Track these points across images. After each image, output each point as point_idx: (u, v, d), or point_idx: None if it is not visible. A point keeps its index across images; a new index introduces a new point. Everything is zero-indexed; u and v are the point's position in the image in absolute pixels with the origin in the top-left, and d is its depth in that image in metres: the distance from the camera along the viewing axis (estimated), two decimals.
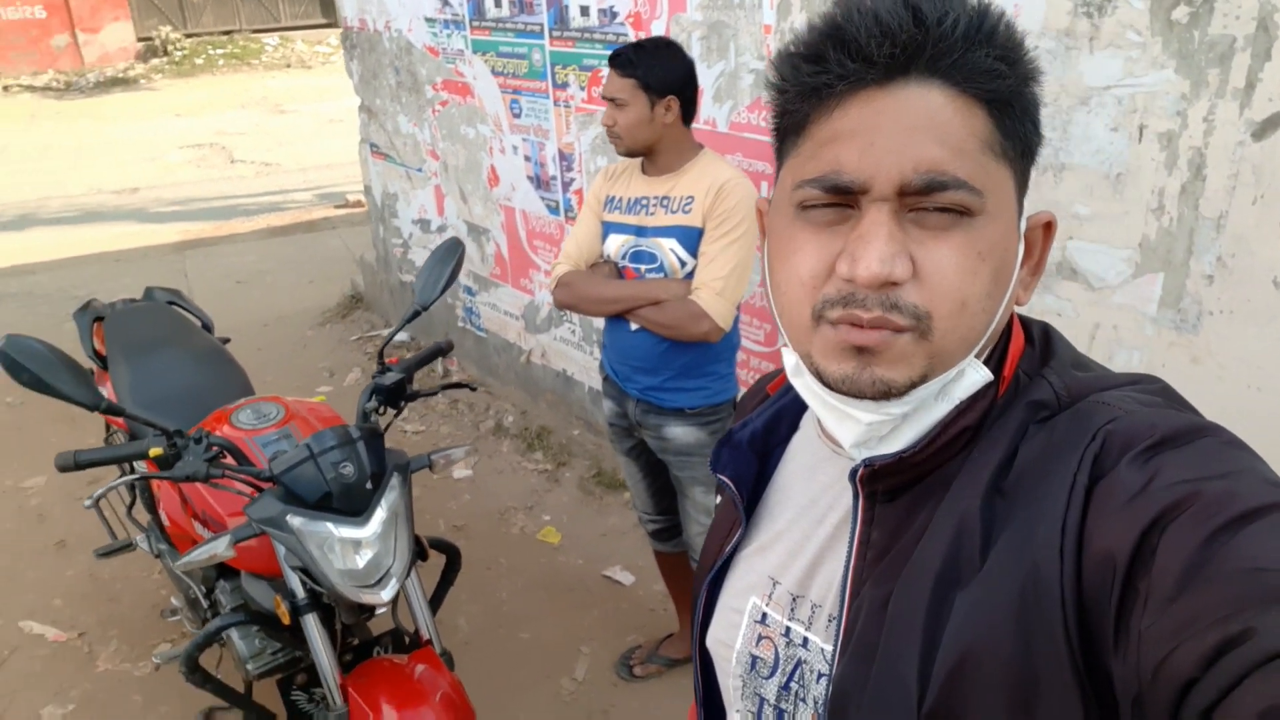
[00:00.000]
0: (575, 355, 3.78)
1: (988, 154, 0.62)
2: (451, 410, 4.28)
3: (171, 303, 2.95)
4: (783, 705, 0.75)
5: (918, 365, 0.63)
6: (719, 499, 0.90)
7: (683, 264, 2.13)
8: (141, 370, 2.49)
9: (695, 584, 0.88)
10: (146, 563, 3.18)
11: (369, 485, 1.78)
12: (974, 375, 0.66)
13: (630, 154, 2.19)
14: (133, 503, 2.79)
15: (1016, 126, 0.64)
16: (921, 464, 0.67)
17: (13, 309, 5.59)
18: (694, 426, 2.26)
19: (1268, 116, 1.79)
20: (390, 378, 2.00)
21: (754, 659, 0.77)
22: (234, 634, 2.13)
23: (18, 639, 2.94)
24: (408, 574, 1.87)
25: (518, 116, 3.63)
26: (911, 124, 0.60)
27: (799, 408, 0.84)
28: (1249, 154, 1.83)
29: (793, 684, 0.74)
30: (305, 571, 1.81)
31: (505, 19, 3.50)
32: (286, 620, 1.85)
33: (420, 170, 4.37)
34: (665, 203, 2.16)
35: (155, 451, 1.75)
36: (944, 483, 0.66)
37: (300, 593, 1.83)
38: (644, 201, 2.20)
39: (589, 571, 3.18)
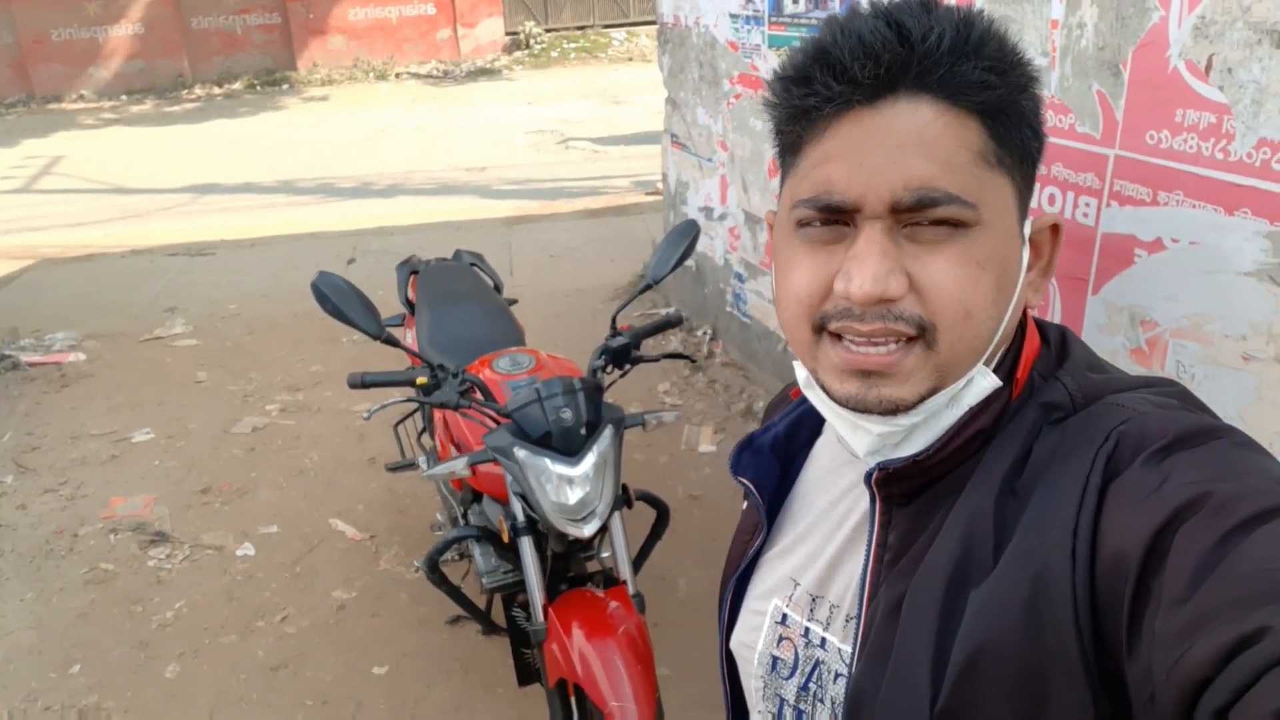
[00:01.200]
0: None
1: (981, 165, 0.62)
2: (709, 389, 4.48)
3: (473, 264, 3.39)
4: (801, 705, 0.76)
5: (926, 381, 0.64)
6: (744, 504, 0.91)
7: None
8: (438, 317, 2.91)
9: (721, 586, 0.90)
10: (431, 486, 3.70)
11: (584, 431, 2.00)
12: (983, 382, 0.67)
13: None
14: (424, 430, 3.27)
15: (1012, 134, 0.64)
16: (936, 466, 0.67)
17: (371, 263, 6.59)
18: None
19: None
20: (618, 341, 2.21)
21: (774, 660, 0.79)
22: (475, 550, 2.46)
23: (326, 533, 3.55)
24: (610, 515, 2.07)
25: None
26: (900, 141, 0.61)
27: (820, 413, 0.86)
28: None
29: (811, 684, 0.75)
30: (525, 500, 2.07)
31: (801, 14, 3.60)
32: (506, 538, 2.13)
33: (710, 160, 4.59)
34: None
35: (421, 380, 2.09)
36: (958, 485, 0.67)
37: (520, 516, 2.10)
38: None
39: None
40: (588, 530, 2.01)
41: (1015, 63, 0.64)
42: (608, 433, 2.04)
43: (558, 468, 1.97)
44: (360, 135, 11.71)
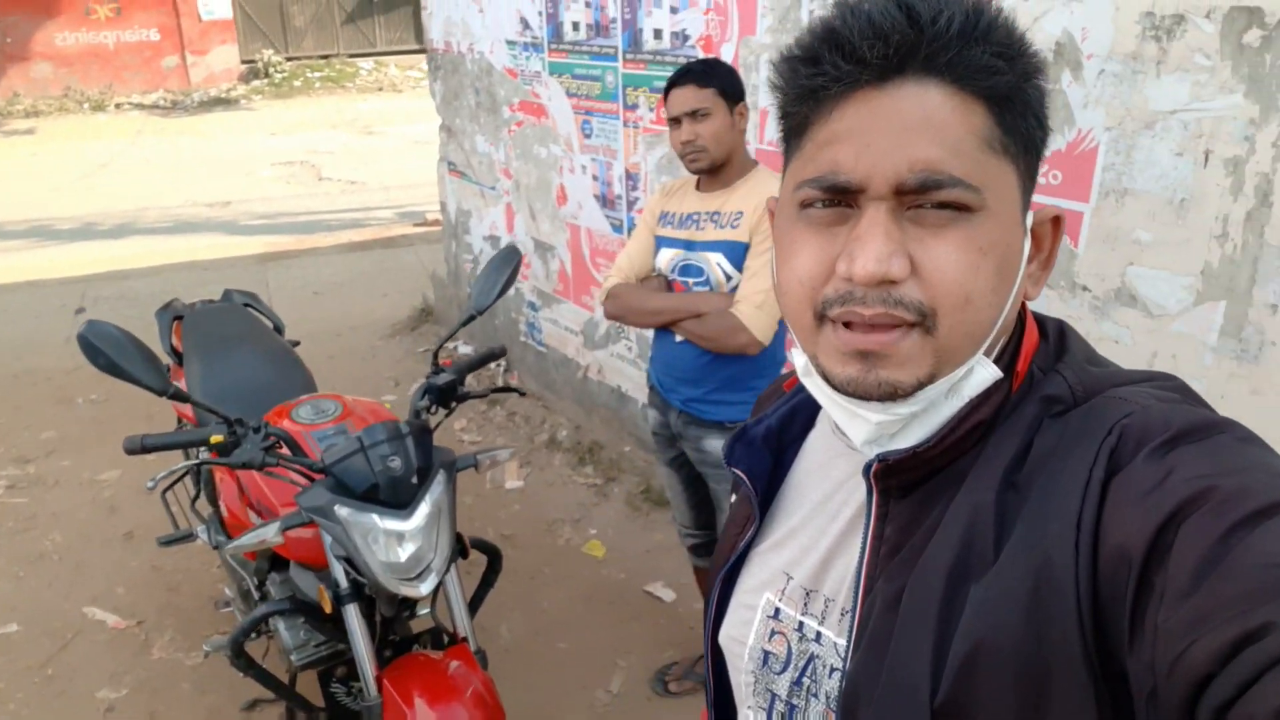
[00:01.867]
0: (630, 372, 3.81)
1: (986, 151, 0.62)
2: (508, 422, 4.34)
3: (247, 304, 3.07)
4: (794, 701, 0.75)
5: (925, 365, 0.63)
6: (734, 496, 0.89)
7: (728, 278, 2.15)
8: (213, 366, 2.60)
9: (709, 580, 0.87)
10: (206, 556, 3.30)
11: (414, 480, 1.83)
12: (983, 373, 0.66)
13: (714, 166, 2.17)
14: (197, 495, 2.90)
15: (1018, 122, 0.63)
16: (935, 459, 0.67)
17: (105, 311, 5.87)
18: None
19: None
20: (443, 378, 2.05)
21: (766, 654, 0.77)
22: (280, 625, 2.19)
23: (81, 623, 3.07)
24: (447, 569, 1.90)
25: (588, 137, 3.70)
26: (907, 123, 0.61)
27: (814, 404, 0.84)
28: None
29: (805, 679, 0.74)
30: (349, 562, 1.86)
31: (582, 42, 3.59)
32: (329, 609, 1.91)
33: (493, 188, 4.48)
34: (715, 218, 2.18)
35: (216, 438, 1.82)
36: (958, 477, 0.66)
37: (343, 582, 1.88)
38: (695, 217, 2.22)
39: (631, 586, 3.19)
40: (425, 589, 1.83)
41: (1023, 50, 0.63)
42: (440, 479, 1.88)
43: (387, 523, 1.79)
44: (77, 171, 10.51)
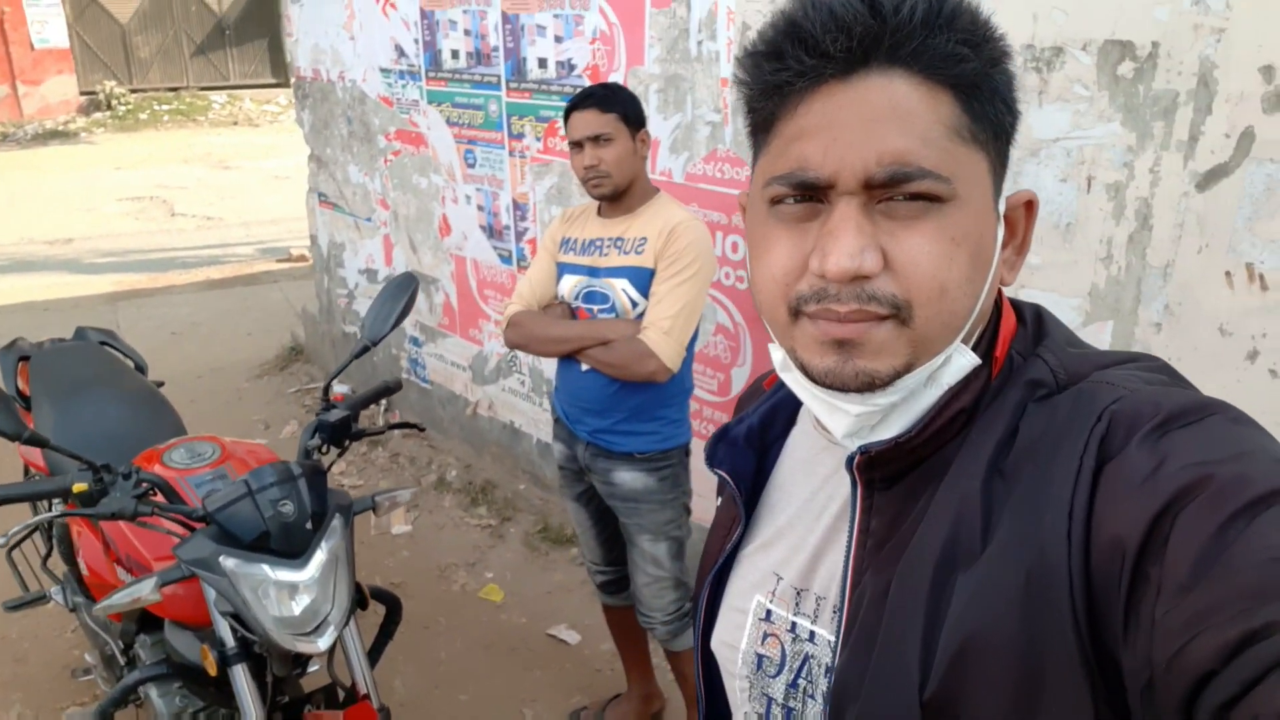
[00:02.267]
0: (523, 406, 3.70)
1: (955, 139, 0.61)
2: (392, 464, 4.15)
3: (104, 343, 2.82)
4: (791, 703, 0.73)
5: (901, 355, 0.62)
6: (719, 499, 0.89)
7: (634, 304, 2.11)
8: (67, 410, 2.36)
9: (696, 585, 0.86)
10: (58, 621, 2.99)
11: (309, 525, 1.69)
12: (961, 360, 0.65)
13: (617, 191, 2.13)
14: (49, 553, 2.62)
15: (986, 109, 0.63)
16: (918, 449, 0.66)
17: None
18: (643, 472, 2.20)
19: (1210, 168, 1.85)
20: (335, 414, 1.91)
21: (760, 658, 0.76)
22: (153, 692, 1.98)
23: None
24: (346, 622, 1.76)
25: (472, 166, 3.61)
26: (873, 116, 0.60)
27: (795, 402, 0.83)
28: (1193, 204, 1.88)
29: (800, 680, 0.73)
30: (236, 618, 1.69)
31: (462, 70, 3.51)
32: (214, 671, 1.73)
33: (369, 220, 4.31)
34: (619, 244, 2.14)
35: (79, 487, 1.63)
36: (942, 467, 0.65)
37: (230, 641, 1.71)
38: (598, 243, 2.17)
39: (533, 630, 3.06)
40: (323, 644, 1.68)
41: (988, 36, 0.62)
42: (337, 524, 1.74)
43: (279, 574, 1.64)
44: None
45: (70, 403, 2.38)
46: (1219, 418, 0.57)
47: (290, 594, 1.65)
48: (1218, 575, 0.49)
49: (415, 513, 3.76)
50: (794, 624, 0.74)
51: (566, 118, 2.14)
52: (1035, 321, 0.71)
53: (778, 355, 0.71)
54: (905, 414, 0.67)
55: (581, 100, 2.11)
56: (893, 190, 0.60)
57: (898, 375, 0.63)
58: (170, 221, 9.41)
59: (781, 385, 0.83)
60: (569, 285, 2.21)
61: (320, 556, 1.68)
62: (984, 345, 0.68)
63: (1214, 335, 1.91)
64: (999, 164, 0.66)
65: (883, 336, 0.62)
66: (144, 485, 1.66)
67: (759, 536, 0.80)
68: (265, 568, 1.63)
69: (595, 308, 2.17)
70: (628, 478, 2.22)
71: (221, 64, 16.26)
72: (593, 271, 2.17)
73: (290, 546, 1.66)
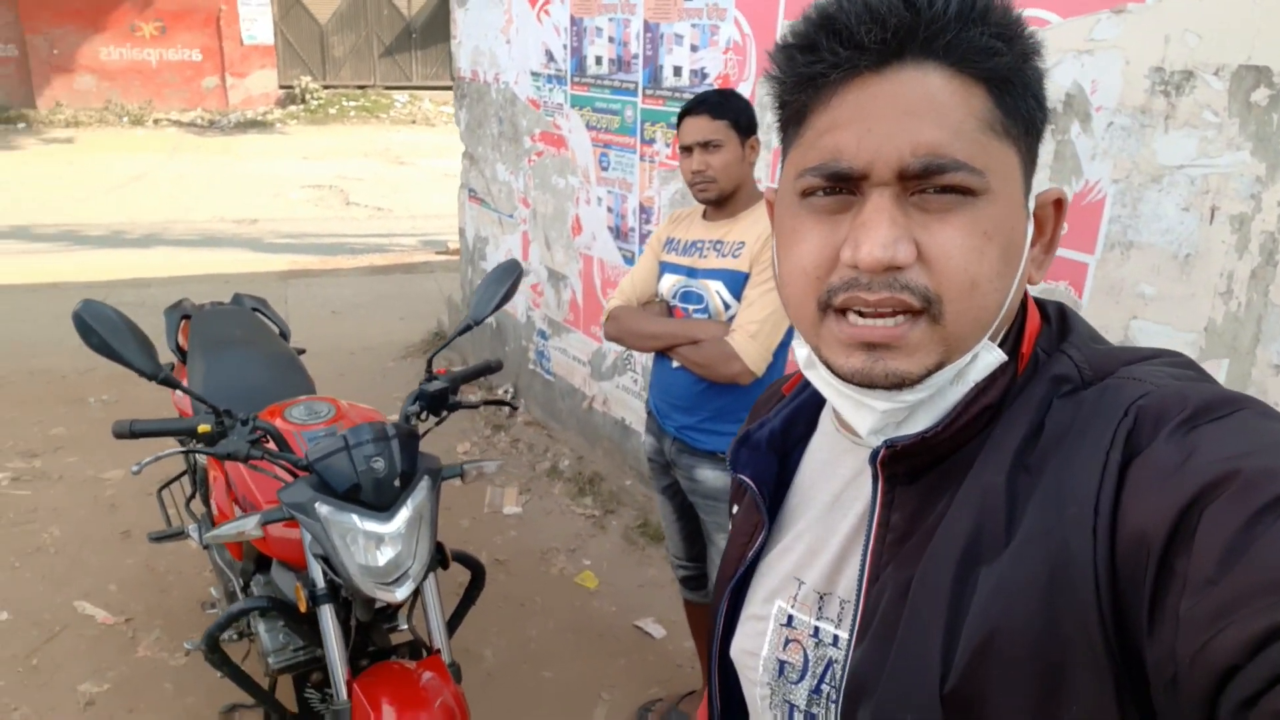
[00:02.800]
0: (634, 404, 3.80)
1: (988, 133, 0.62)
2: (512, 448, 4.34)
3: (255, 309, 3.10)
4: (814, 710, 0.72)
5: (932, 354, 0.63)
6: (735, 508, 0.88)
7: (727, 307, 2.15)
8: (215, 364, 2.62)
9: (715, 592, 0.85)
10: (200, 559, 3.29)
11: (397, 483, 1.82)
12: (988, 357, 0.65)
13: (722, 197, 2.18)
14: (193, 495, 2.91)
15: (1018, 104, 0.63)
16: (944, 444, 0.66)
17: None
18: (724, 471, 2.24)
19: None
20: (435, 385, 2.06)
21: (781, 664, 0.75)
22: (261, 627, 2.18)
23: (70, 617, 3.06)
24: (424, 577, 1.89)
25: (605, 169, 3.75)
26: (908, 107, 0.60)
27: (815, 406, 0.83)
28: None
29: (824, 686, 0.72)
30: (327, 562, 1.85)
31: (604, 76, 3.65)
32: (304, 607, 1.89)
33: (511, 216, 4.53)
34: (718, 246, 2.19)
35: (204, 428, 1.83)
36: (966, 462, 0.65)
37: (320, 582, 1.87)
38: (699, 244, 2.23)
39: (621, 620, 3.15)
40: (400, 594, 1.82)
41: (1020, 31, 0.63)
42: (424, 485, 1.87)
43: (367, 525, 1.78)
44: (112, 181, 10.72)
45: (219, 358, 2.64)
46: (1248, 412, 0.57)
47: (375, 544, 1.79)
48: (1244, 569, 0.49)
49: (526, 497, 3.92)
50: (817, 629, 0.73)
51: (679, 122, 2.21)
52: (1059, 318, 0.71)
53: (802, 352, 0.72)
54: (931, 410, 0.67)
55: (694, 106, 2.18)
56: (926, 182, 0.61)
57: (928, 374, 0.63)
58: (345, 210, 10.09)
59: (802, 390, 0.84)
60: (668, 284, 2.28)
61: (405, 513, 1.82)
62: (1010, 342, 0.68)
63: None
64: (1029, 160, 0.66)
65: (916, 338, 0.62)
66: (258, 432, 1.85)
67: (780, 540, 0.79)
68: (354, 517, 1.77)
69: (691, 307, 2.23)
70: (709, 475, 2.27)
71: (406, 65, 17.26)
72: (691, 272, 2.23)
73: (379, 500, 1.80)
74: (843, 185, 0.63)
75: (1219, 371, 1.96)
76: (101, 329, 1.72)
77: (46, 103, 13.99)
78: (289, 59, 15.92)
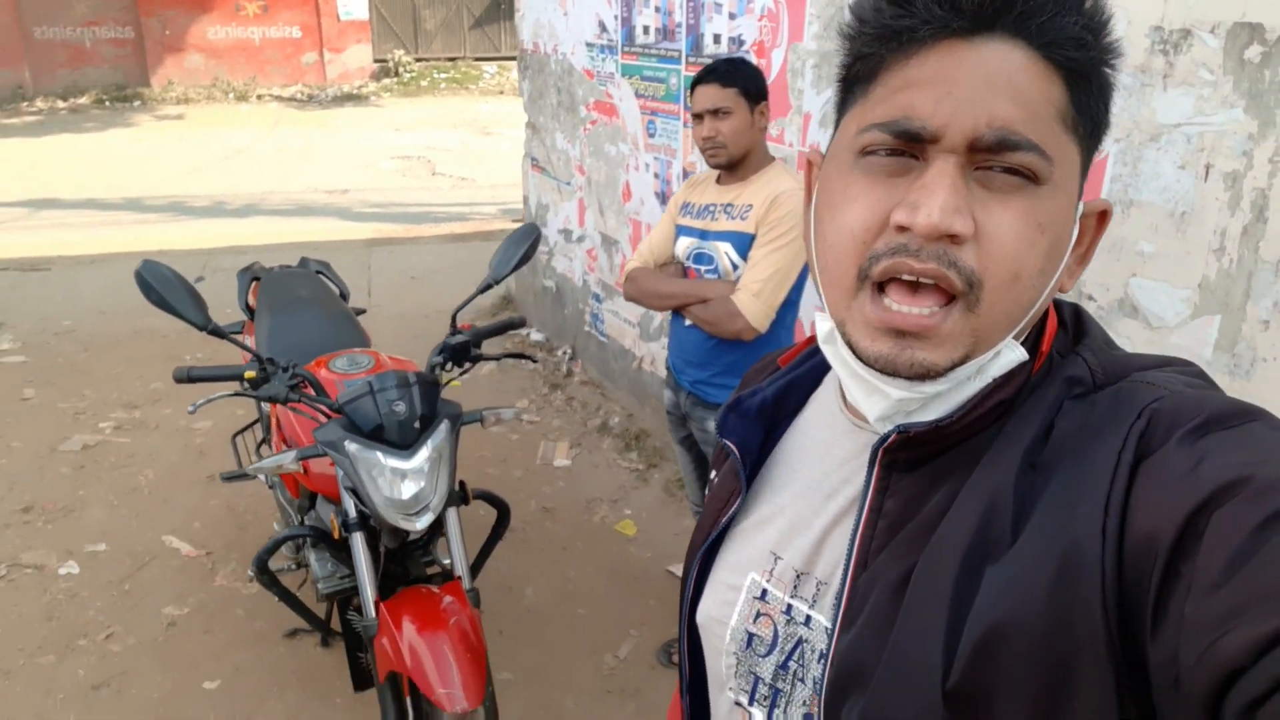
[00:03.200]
0: None
1: (1060, 124, 0.61)
2: (566, 406, 4.54)
3: (319, 272, 3.35)
4: (779, 685, 0.73)
5: (960, 347, 0.62)
6: (714, 473, 0.88)
7: (735, 267, 2.27)
8: (279, 322, 2.87)
9: (687, 556, 0.85)
10: (274, 501, 3.60)
11: (417, 425, 2.02)
12: (1010, 354, 0.65)
13: (732, 162, 2.29)
14: (263, 441, 3.19)
15: (1091, 103, 0.62)
16: (952, 435, 0.65)
17: (221, 281, 6.35)
18: None
19: None
20: (457, 339, 2.25)
21: (750, 636, 0.75)
22: (312, 557, 2.43)
23: (159, 550, 3.41)
24: (443, 509, 2.08)
25: (652, 136, 3.87)
26: (990, 80, 0.59)
27: (810, 382, 0.82)
28: None
29: (791, 663, 0.72)
30: (357, 495, 2.06)
31: (651, 45, 3.76)
32: (337, 534, 2.12)
33: (569, 184, 4.69)
34: (729, 209, 2.30)
35: (249, 374, 2.06)
36: (971, 456, 0.64)
37: (352, 512, 2.09)
38: (712, 208, 2.35)
39: (655, 565, 3.32)
40: (420, 524, 2.02)
41: (1108, 30, 0.62)
42: (443, 427, 2.06)
43: (390, 461, 1.98)
44: (217, 155, 11.33)
45: (282, 315, 2.89)
46: (1260, 424, 0.57)
47: (399, 478, 2.00)
48: (1251, 573, 0.48)
49: (576, 450, 4.12)
50: (790, 606, 0.73)
51: (692, 90, 2.32)
52: (1074, 321, 0.71)
53: (824, 326, 0.69)
54: (944, 402, 0.66)
55: (705, 75, 2.29)
56: (995, 158, 0.59)
57: (953, 367, 0.62)
58: (431, 180, 10.43)
59: (800, 363, 0.83)
60: (683, 246, 2.41)
61: (425, 451, 2.02)
62: (1030, 341, 0.67)
63: None
64: (1086, 164, 0.65)
65: (949, 328, 0.61)
66: (297, 379, 2.06)
67: (756, 512, 0.79)
68: (379, 454, 1.98)
69: (703, 268, 2.36)
70: None
71: (495, 36, 17.56)
72: (703, 234, 2.35)
73: (402, 439, 2.00)
74: (907, 147, 0.61)
75: (1211, 328, 1.99)
76: (159, 286, 1.95)
77: (160, 81, 14.80)
78: (383, 33, 16.40)
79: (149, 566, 3.31)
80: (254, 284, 3.22)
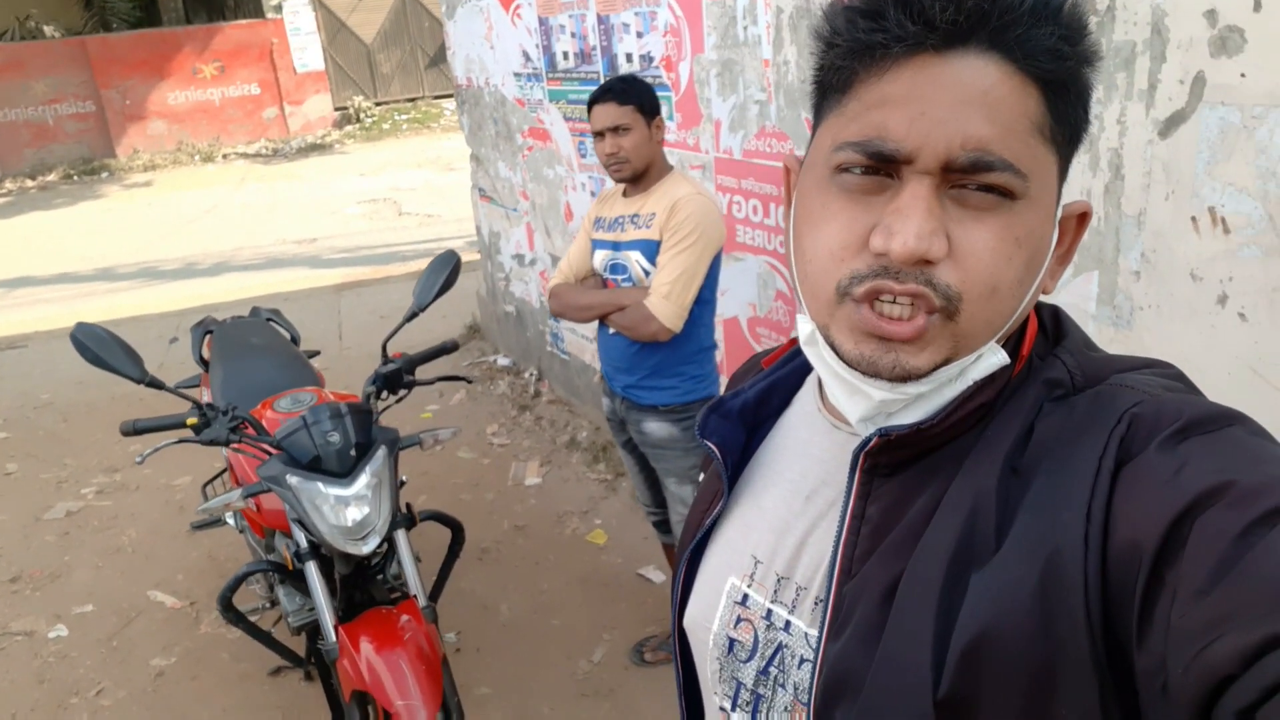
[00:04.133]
0: None
1: (1037, 137, 0.60)
2: (535, 426, 4.65)
3: (269, 319, 3.47)
4: (760, 690, 0.73)
5: (941, 350, 0.62)
6: (702, 473, 0.89)
7: (646, 274, 2.39)
8: (231, 370, 2.98)
9: (675, 558, 0.86)
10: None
11: (353, 453, 2.13)
12: (992, 358, 0.65)
13: (635, 176, 2.42)
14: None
15: (1069, 111, 0.62)
16: (933, 438, 0.65)
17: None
18: (667, 422, 2.48)
19: (1169, 115, 1.87)
20: (389, 367, 2.36)
21: (731, 642, 0.75)
22: (280, 593, 2.53)
23: (144, 604, 3.50)
24: (388, 533, 2.19)
25: (584, 156, 3.99)
26: (964, 97, 0.58)
27: (793, 383, 0.83)
28: (1158, 152, 1.91)
29: (772, 668, 0.72)
30: (304, 526, 2.17)
31: (571, 69, 3.89)
32: (290, 566, 2.22)
33: (515, 210, 4.82)
34: (635, 220, 2.42)
35: (191, 421, 2.17)
36: (952, 460, 0.65)
37: (302, 543, 2.20)
38: (620, 220, 2.47)
39: (626, 570, 3.42)
40: (366, 548, 2.12)
41: (1085, 36, 0.62)
42: (380, 453, 2.17)
43: (331, 490, 2.09)
44: (185, 217, 11.45)
45: (234, 363, 3.01)
46: (1239, 428, 0.57)
47: (342, 505, 2.10)
48: (1238, 580, 0.48)
49: (547, 468, 4.23)
50: (769, 611, 0.73)
51: (590, 109, 2.45)
52: (1053, 323, 0.71)
53: (805, 328, 0.69)
54: (925, 405, 0.66)
55: (601, 95, 2.41)
56: (969, 178, 0.59)
57: (935, 369, 0.62)
58: (397, 220, 10.56)
59: (781, 365, 0.84)
60: (599, 259, 2.53)
61: (364, 477, 2.12)
62: (1011, 344, 0.67)
63: (1186, 281, 1.92)
64: (1064, 169, 0.64)
65: (931, 333, 0.61)
66: (236, 420, 2.17)
67: (739, 514, 0.79)
68: (319, 484, 2.09)
69: (619, 278, 2.48)
70: (654, 428, 2.51)
71: (451, 73, 17.72)
72: (615, 246, 2.48)
73: (340, 468, 2.11)
74: (882, 166, 0.61)
75: (1090, 284, 2.11)
76: (94, 345, 2.07)
77: (125, 150, 14.95)
78: (340, 81, 16.58)
79: (135, 622, 3.40)
80: (208, 336, 3.33)
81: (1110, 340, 2.09)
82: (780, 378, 0.83)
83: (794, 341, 0.80)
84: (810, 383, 0.80)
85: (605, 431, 4.40)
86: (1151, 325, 2.01)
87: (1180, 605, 0.50)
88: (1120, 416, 0.59)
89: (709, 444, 0.79)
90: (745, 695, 0.74)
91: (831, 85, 0.64)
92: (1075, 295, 2.14)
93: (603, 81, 2.75)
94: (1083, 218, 0.68)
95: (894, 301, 0.60)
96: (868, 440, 0.66)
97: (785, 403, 0.82)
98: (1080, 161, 2.04)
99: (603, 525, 3.74)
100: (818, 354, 0.68)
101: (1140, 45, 1.88)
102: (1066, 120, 0.62)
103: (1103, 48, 1.93)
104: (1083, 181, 2.05)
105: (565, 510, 3.89)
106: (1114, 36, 1.92)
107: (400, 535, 2.26)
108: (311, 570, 2.19)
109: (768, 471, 0.78)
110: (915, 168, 0.59)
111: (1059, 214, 0.66)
